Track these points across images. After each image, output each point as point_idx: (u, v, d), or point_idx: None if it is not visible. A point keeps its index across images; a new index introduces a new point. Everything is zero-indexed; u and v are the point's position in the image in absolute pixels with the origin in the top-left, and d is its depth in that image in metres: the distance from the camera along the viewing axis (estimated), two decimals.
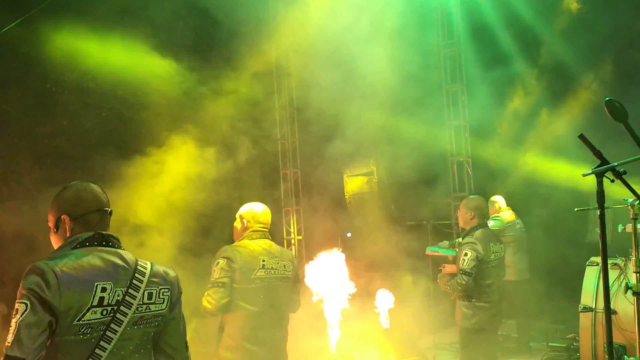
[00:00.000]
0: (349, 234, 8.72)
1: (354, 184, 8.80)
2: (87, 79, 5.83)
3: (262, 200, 3.98)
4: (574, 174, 8.36)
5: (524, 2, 8.55)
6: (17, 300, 1.93)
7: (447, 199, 9.60)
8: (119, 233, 2.29)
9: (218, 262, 3.56)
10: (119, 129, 6.11)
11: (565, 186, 8.42)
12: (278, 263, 3.73)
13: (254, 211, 3.81)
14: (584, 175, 2.41)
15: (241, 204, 3.92)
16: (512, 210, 7.14)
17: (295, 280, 3.91)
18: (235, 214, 3.89)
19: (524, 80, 9.41)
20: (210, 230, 6.15)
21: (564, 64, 8.44)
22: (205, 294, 3.54)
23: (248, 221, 3.78)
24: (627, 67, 8.21)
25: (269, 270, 3.67)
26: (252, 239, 3.72)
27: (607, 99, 1.85)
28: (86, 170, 5.65)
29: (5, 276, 5.21)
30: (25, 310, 1.88)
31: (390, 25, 7.55)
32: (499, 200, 7.11)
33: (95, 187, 2.30)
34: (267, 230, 3.83)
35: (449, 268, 4.99)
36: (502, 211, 7.02)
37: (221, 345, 3.61)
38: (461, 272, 4.64)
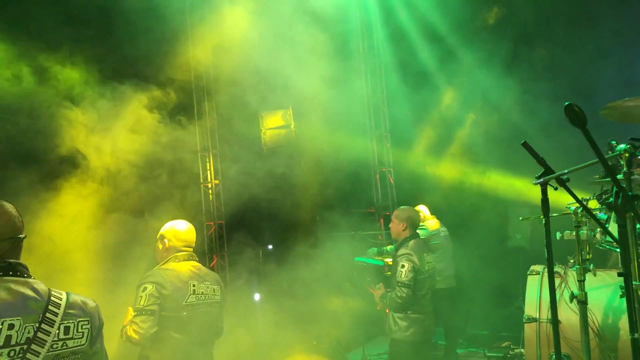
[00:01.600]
0: (270, 247, 8.51)
1: (271, 135, 8.36)
2: None
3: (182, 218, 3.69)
4: (496, 180, 8.64)
5: (441, 14, 8.76)
6: None
7: (370, 208, 9.67)
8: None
9: (145, 288, 3.20)
10: (25, 144, 5.58)
11: (485, 192, 8.67)
12: (208, 287, 3.46)
13: (176, 229, 3.51)
14: (535, 184, 2.36)
15: (160, 223, 3.63)
16: (437, 218, 7.20)
17: (223, 305, 3.64)
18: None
19: (443, 90, 9.63)
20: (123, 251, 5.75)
21: (481, 74, 8.70)
22: (129, 321, 3.18)
23: (170, 240, 3.47)
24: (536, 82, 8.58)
25: (199, 296, 3.39)
26: (179, 260, 3.42)
27: (566, 103, 1.77)
28: None
29: None
30: None
31: (311, 35, 7.47)
32: (422, 209, 7.15)
33: (10, 209, 1.97)
34: (191, 250, 3.55)
35: (378, 293, 4.87)
36: (427, 220, 7.06)
37: None
38: (400, 284, 4.53)
